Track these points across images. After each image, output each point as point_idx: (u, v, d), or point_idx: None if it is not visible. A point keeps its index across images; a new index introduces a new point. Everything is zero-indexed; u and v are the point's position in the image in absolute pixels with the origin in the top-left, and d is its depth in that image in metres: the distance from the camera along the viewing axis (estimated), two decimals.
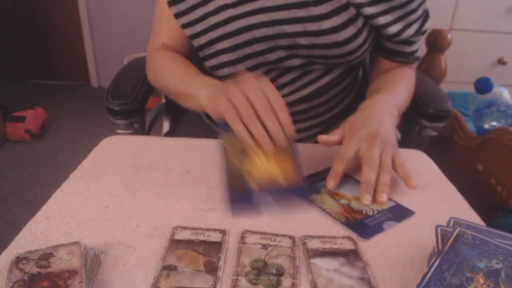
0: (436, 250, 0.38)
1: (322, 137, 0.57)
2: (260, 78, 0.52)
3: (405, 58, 0.74)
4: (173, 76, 0.67)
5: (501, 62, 2.04)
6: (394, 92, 0.68)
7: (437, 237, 0.39)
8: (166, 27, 0.73)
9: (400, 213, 0.50)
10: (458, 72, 1.99)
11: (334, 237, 0.44)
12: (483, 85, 1.24)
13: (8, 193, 1.82)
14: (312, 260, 0.40)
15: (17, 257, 0.37)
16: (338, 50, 0.67)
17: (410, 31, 0.69)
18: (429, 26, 0.71)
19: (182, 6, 0.69)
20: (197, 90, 0.58)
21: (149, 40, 0.76)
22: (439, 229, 0.40)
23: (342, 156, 0.54)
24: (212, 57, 0.70)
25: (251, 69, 0.71)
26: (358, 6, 0.64)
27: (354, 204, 0.51)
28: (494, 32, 1.99)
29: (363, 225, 0.47)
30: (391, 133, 0.57)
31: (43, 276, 0.35)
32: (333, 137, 0.57)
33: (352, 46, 0.67)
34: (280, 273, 0.38)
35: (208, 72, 0.74)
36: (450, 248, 0.38)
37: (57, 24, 2.91)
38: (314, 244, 0.43)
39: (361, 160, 0.53)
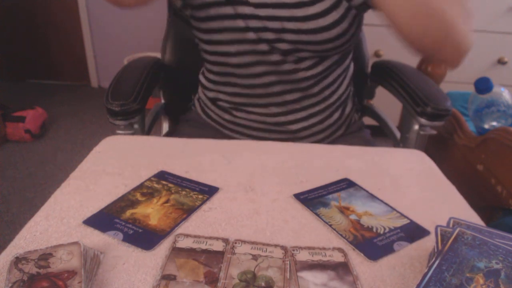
0: (436, 250, 0.38)
1: None
2: None
3: None
4: None
5: (501, 62, 2.04)
6: None
7: (437, 237, 0.39)
8: None
9: (414, 233, 0.47)
10: (458, 72, 1.98)
11: (324, 249, 0.43)
12: (483, 85, 1.24)
13: (8, 193, 1.82)
14: (300, 273, 0.39)
15: (17, 257, 0.37)
16: (325, 35, 0.69)
17: None
18: None
19: None
20: None
21: None
22: (438, 229, 0.40)
23: None
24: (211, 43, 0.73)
25: (240, 53, 0.72)
26: None
27: (364, 221, 0.48)
28: (494, 32, 1.98)
29: (371, 244, 0.44)
30: None
31: (42, 276, 0.35)
32: None
33: (337, 31, 0.69)
34: (269, 286, 0.37)
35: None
36: (450, 248, 0.38)
37: (57, 24, 2.91)
38: (303, 256, 0.42)
39: None
